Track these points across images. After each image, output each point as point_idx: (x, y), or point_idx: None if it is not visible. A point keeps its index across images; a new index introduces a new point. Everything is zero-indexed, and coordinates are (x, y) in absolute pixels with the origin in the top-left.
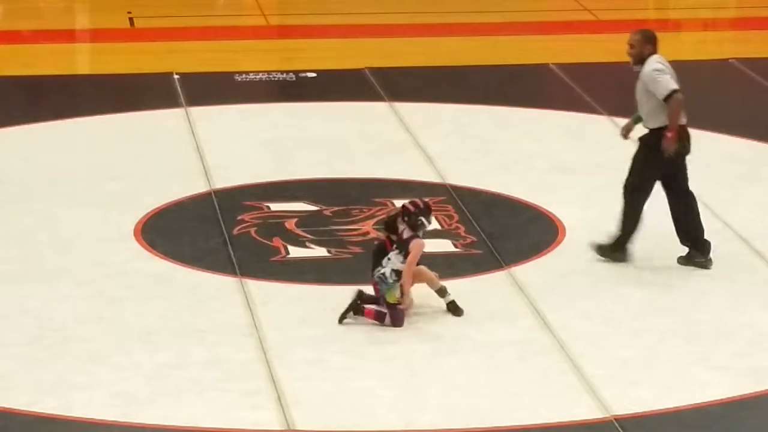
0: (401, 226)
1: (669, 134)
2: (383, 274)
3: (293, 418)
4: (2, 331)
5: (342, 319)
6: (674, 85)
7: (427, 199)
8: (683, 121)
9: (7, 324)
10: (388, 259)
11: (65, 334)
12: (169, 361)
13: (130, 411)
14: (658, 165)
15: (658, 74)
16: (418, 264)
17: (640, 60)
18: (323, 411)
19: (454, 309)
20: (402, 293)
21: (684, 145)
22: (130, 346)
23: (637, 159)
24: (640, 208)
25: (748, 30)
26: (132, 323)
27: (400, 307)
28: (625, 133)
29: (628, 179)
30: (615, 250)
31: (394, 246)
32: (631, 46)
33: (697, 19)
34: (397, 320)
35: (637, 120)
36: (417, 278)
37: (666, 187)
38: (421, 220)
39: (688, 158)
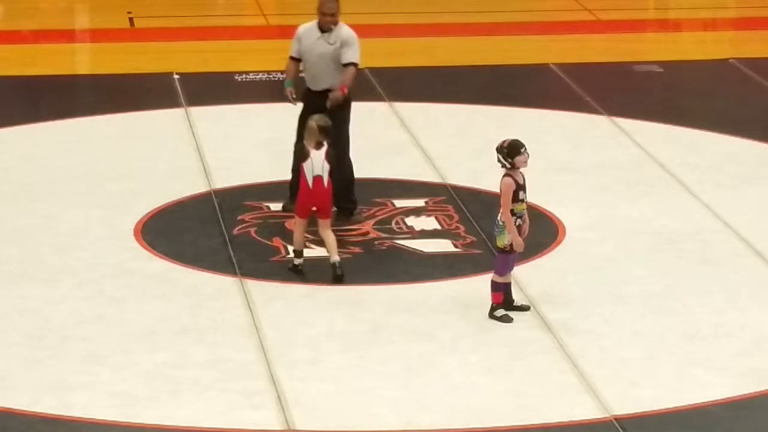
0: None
1: (346, 89)
2: (497, 219)
3: (293, 418)
4: (2, 331)
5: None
6: None
7: (514, 140)
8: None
9: (7, 324)
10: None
11: (65, 334)
12: (169, 361)
13: (130, 411)
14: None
15: (356, 41)
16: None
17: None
18: (323, 411)
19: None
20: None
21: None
22: (130, 346)
23: (347, 124)
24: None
25: (748, 30)
26: (132, 323)
27: (515, 249)
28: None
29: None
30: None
31: None
32: (333, 15)
33: (697, 19)
34: (500, 267)
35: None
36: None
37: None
38: (499, 158)
39: (691, 160)
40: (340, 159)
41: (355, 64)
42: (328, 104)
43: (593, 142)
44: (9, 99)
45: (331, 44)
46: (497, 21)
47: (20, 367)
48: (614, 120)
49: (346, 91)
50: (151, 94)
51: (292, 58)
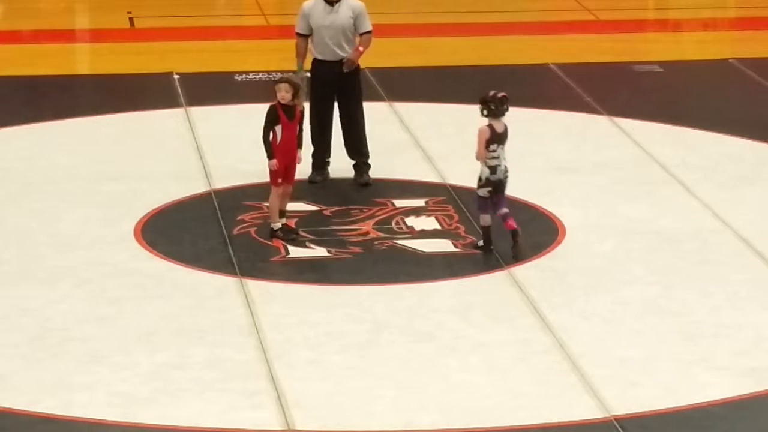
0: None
1: (360, 51)
2: (505, 167)
3: (293, 418)
4: (2, 331)
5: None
6: None
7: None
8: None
9: (7, 324)
10: (498, 157)
11: (65, 334)
12: (169, 361)
13: (130, 411)
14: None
15: (365, 9)
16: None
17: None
18: (323, 411)
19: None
20: None
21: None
22: (130, 346)
23: (359, 88)
24: None
25: (748, 30)
26: (132, 323)
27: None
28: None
29: (357, 105)
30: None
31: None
32: None
33: (697, 19)
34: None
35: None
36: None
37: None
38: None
39: (691, 160)
40: (356, 120)
41: (371, 32)
42: (345, 68)
43: (593, 142)
44: (9, 99)
45: (348, 15)
46: (497, 21)
47: (20, 367)
48: (614, 120)
49: (361, 50)
50: (151, 94)
51: (300, 34)
